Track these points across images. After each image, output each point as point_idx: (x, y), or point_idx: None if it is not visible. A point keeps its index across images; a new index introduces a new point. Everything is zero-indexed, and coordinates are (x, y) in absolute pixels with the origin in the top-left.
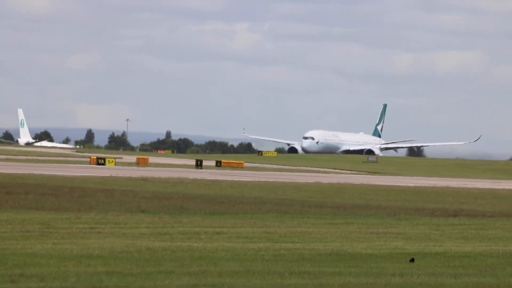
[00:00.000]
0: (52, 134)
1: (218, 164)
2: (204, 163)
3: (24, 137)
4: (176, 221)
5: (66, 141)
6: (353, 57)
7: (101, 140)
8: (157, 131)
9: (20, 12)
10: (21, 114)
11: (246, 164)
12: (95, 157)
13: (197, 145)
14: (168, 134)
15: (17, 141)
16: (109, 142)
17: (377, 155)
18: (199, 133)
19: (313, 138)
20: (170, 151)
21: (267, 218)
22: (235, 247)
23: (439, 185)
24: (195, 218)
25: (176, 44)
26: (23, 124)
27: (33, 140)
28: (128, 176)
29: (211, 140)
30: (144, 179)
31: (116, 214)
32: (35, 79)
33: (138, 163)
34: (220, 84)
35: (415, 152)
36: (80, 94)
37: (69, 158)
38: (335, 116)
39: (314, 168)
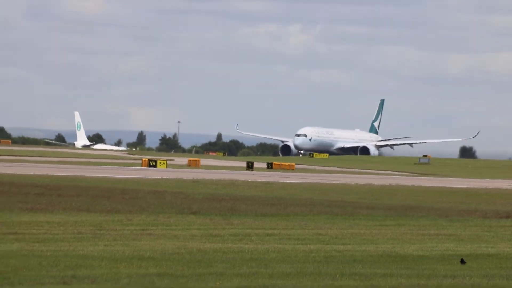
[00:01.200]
0: (104, 137)
1: (269, 166)
2: (255, 165)
3: (81, 139)
4: (227, 223)
5: (118, 143)
6: (406, 59)
7: (152, 142)
8: (208, 133)
9: (74, 15)
10: (77, 117)
11: (297, 166)
12: (146, 159)
13: (248, 147)
14: (219, 136)
15: (74, 144)
16: (161, 144)
17: (429, 156)
18: (250, 135)
19: (305, 135)
20: (221, 153)
21: (318, 220)
22: (286, 248)
23: (491, 187)
24: (246, 220)
25: (228, 47)
26: (80, 127)
27: (89, 143)
28: (179, 178)
29: (262, 142)
30: (195, 181)
31: (167, 216)
32: (88, 82)
33: (190, 165)
34: (271, 86)
35: (467, 153)
36: (132, 97)
37: (121, 160)
38: (388, 118)
39: (365, 170)
